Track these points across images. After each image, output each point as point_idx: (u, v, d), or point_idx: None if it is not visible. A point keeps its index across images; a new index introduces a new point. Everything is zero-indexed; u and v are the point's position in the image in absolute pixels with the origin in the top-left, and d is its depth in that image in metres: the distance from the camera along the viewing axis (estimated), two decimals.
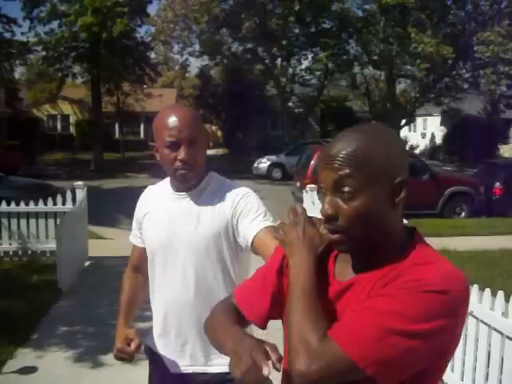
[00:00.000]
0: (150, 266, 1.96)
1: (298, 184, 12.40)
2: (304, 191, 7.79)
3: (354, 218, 1.06)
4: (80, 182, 7.60)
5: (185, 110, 1.83)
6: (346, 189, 1.04)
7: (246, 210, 1.80)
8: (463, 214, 12.26)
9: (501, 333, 3.18)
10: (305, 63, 25.35)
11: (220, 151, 34.47)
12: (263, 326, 1.29)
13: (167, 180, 1.96)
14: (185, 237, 1.82)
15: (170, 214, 1.87)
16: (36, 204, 7.46)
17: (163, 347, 1.95)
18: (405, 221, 1.26)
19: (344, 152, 1.05)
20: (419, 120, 33.29)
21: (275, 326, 1.35)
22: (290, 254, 1.15)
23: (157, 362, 1.98)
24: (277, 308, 1.24)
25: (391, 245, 1.10)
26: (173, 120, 1.75)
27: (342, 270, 1.16)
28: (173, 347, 1.91)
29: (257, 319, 1.27)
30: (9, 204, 7.45)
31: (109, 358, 4.42)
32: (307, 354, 0.99)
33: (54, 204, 7.51)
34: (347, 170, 1.04)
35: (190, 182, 1.84)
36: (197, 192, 1.86)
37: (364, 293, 1.06)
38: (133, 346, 1.87)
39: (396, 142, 1.12)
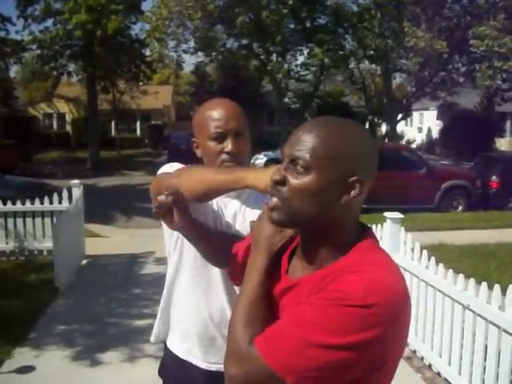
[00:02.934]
0: (186, 260, 1.81)
1: None
2: None
3: (296, 192, 1.08)
4: (76, 181, 7.59)
5: (230, 102, 1.76)
6: (299, 165, 1.07)
7: None
8: (460, 207, 12.28)
9: (498, 326, 3.18)
10: (300, 59, 25.34)
11: None
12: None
13: None
14: None
15: (214, 211, 1.74)
16: (32, 203, 7.44)
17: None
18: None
19: (311, 135, 1.08)
20: (415, 114, 33.28)
21: None
22: (252, 251, 1.23)
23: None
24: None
25: (334, 241, 1.11)
26: (219, 111, 1.68)
27: (295, 266, 1.19)
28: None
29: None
30: (5, 203, 7.43)
31: (107, 356, 4.43)
32: (236, 357, 1.05)
33: (51, 203, 7.48)
34: (306, 152, 1.07)
35: None
36: (237, 192, 1.71)
37: (303, 296, 1.08)
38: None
39: (366, 142, 1.11)
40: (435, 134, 31.65)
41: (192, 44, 23.01)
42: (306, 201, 1.07)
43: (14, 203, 7.42)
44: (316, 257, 1.13)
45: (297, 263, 1.18)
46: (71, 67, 25.34)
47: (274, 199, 1.11)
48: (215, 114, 1.68)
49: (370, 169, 1.11)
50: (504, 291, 3.16)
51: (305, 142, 1.07)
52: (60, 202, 7.48)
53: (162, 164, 1.87)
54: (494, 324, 3.22)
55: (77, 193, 7.41)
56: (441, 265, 3.97)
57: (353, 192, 1.07)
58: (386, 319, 0.97)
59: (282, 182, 1.09)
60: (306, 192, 1.07)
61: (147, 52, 24.75)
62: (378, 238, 1.22)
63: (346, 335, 0.95)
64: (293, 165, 1.08)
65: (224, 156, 1.68)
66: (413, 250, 4.40)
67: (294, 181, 1.08)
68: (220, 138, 1.68)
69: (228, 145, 1.67)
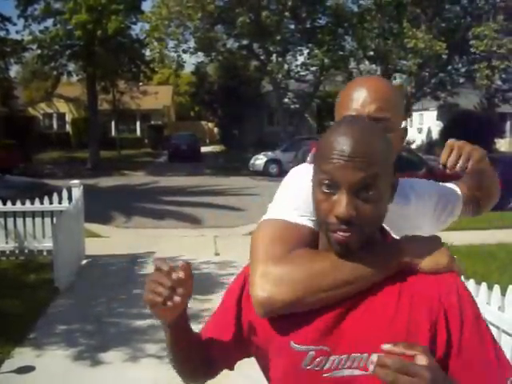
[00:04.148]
0: None
1: None
2: None
3: (373, 219, 1.01)
4: (76, 181, 7.60)
5: (381, 81, 1.38)
6: (372, 189, 0.99)
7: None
8: None
9: (497, 327, 3.18)
10: (300, 59, 25.31)
11: (217, 148, 34.48)
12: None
13: None
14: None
15: None
16: (32, 203, 7.45)
17: None
18: None
19: (367, 150, 0.98)
20: (415, 115, 33.28)
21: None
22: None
23: None
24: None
25: (375, 242, 1.08)
26: (361, 91, 1.31)
27: None
28: None
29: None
30: (5, 203, 7.44)
31: (107, 356, 4.43)
32: None
33: (51, 203, 7.49)
34: (376, 170, 0.98)
35: None
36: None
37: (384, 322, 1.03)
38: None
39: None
40: (435, 135, 31.65)
41: (192, 44, 23.03)
42: (379, 222, 1.06)
43: (13, 203, 7.42)
44: None
45: None
46: (71, 67, 25.40)
47: (346, 234, 1.00)
48: (356, 93, 1.33)
49: None
50: (504, 292, 3.16)
51: (371, 163, 0.98)
52: (60, 202, 7.48)
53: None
54: (494, 324, 3.22)
55: (77, 193, 7.41)
56: None
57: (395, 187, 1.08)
58: None
59: (356, 217, 0.99)
60: (380, 216, 1.04)
61: (147, 52, 24.81)
62: None
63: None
64: (361, 189, 0.99)
65: None
66: None
67: (366, 210, 0.99)
68: None
69: None
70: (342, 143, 0.98)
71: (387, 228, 1.16)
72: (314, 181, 1.04)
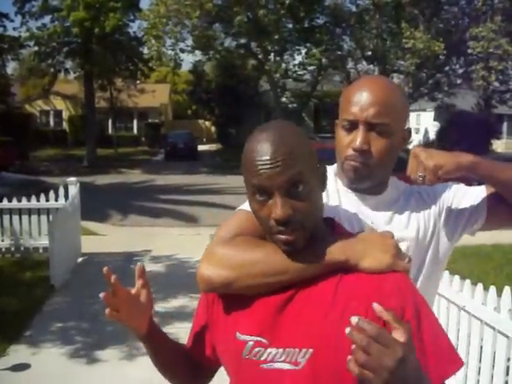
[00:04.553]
0: None
1: None
2: None
3: (310, 212, 1.05)
4: (72, 178, 7.58)
5: (383, 82, 1.34)
6: (301, 185, 1.03)
7: None
8: None
9: (493, 328, 3.19)
10: (298, 58, 25.35)
11: (214, 147, 34.47)
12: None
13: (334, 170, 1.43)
14: None
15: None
16: (28, 200, 7.44)
17: None
18: None
19: (285, 151, 1.02)
20: (412, 115, 33.31)
21: None
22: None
23: None
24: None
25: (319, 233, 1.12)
26: (361, 93, 1.28)
27: None
28: None
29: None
30: (1, 200, 7.42)
31: (103, 353, 4.42)
32: None
33: (47, 200, 7.48)
34: (299, 167, 1.02)
35: (361, 182, 1.34)
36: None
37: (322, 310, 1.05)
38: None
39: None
40: (432, 135, 31.70)
41: (190, 42, 23.00)
42: (316, 216, 1.10)
43: (9, 200, 7.41)
44: None
45: None
46: (68, 64, 25.36)
47: (290, 236, 1.04)
48: (356, 96, 1.29)
49: None
50: (499, 293, 3.16)
51: (292, 161, 1.02)
52: (56, 200, 7.47)
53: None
54: (489, 325, 3.22)
55: (73, 190, 7.40)
56: None
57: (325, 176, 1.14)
58: None
59: (294, 215, 1.03)
60: (317, 209, 1.09)
61: (145, 50, 24.77)
62: None
63: None
64: (291, 189, 1.03)
65: (350, 152, 1.30)
66: None
67: (303, 207, 1.03)
68: (351, 128, 1.31)
69: (356, 138, 1.29)
70: (261, 152, 1.03)
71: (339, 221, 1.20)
72: (248, 193, 1.09)
